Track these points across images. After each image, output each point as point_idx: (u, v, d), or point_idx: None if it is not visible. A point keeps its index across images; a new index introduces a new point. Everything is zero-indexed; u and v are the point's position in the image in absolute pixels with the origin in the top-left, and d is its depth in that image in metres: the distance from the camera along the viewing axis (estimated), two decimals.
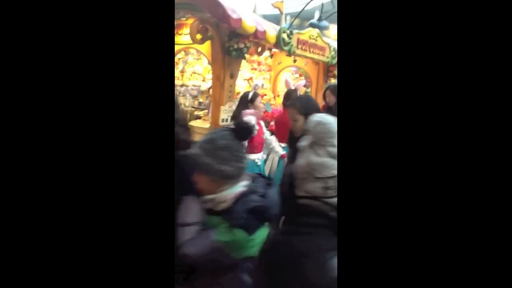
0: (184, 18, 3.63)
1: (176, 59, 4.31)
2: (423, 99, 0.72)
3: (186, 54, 4.37)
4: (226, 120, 3.62)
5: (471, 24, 0.70)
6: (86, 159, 0.74)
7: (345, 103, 0.77)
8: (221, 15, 3.06)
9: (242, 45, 3.41)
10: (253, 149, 3.02)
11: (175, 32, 3.82)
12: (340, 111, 0.79)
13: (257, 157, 3.11)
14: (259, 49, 3.99)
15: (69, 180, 0.74)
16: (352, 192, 0.74)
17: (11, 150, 0.71)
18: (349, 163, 0.76)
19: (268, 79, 5.93)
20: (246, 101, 3.11)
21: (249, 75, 5.32)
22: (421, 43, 0.73)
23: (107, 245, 0.75)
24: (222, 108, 3.62)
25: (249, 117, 2.86)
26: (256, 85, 3.63)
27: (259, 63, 5.66)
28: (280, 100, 5.57)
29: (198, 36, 3.34)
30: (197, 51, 3.97)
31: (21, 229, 0.71)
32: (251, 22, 3.34)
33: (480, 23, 0.70)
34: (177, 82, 4.37)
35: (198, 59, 4.29)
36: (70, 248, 0.73)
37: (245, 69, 5.34)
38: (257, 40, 3.65)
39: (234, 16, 3.11)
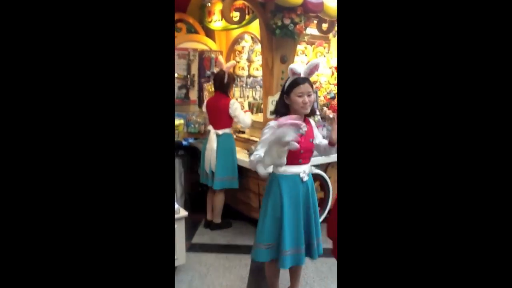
0: None
1: (239, 48, 3.96)
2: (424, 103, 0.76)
3: (254, 41, 3.98)
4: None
5: (473, 26, 0.74)
6: (85, 158, 0.74)
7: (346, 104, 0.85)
8: None
9: (287, 21, 2.83)
10: (296, 159, 1.91)
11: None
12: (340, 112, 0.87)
13: (302, 170, 1.95)
14: (324, 27, 3.30)
15: (64, 176, 0.75)
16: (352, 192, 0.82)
17: (7, 143, 0.71)
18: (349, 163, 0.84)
19: None
20: (282, 92, 1.93)
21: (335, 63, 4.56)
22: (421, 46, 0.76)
23: (104, 242, 0.75)
24: (271, 98, 3.11)
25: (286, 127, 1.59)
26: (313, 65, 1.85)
27: None
28: None
29: (235, 17, 2.93)
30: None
31: (14, 228, 0.71)
32: None
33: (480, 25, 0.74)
34: (242, 72, 4.02)
35: None
36: (62, 240, 0.74)
37: (331, 55, 4.61)
38: (313, 13, 2.99)
39: None
